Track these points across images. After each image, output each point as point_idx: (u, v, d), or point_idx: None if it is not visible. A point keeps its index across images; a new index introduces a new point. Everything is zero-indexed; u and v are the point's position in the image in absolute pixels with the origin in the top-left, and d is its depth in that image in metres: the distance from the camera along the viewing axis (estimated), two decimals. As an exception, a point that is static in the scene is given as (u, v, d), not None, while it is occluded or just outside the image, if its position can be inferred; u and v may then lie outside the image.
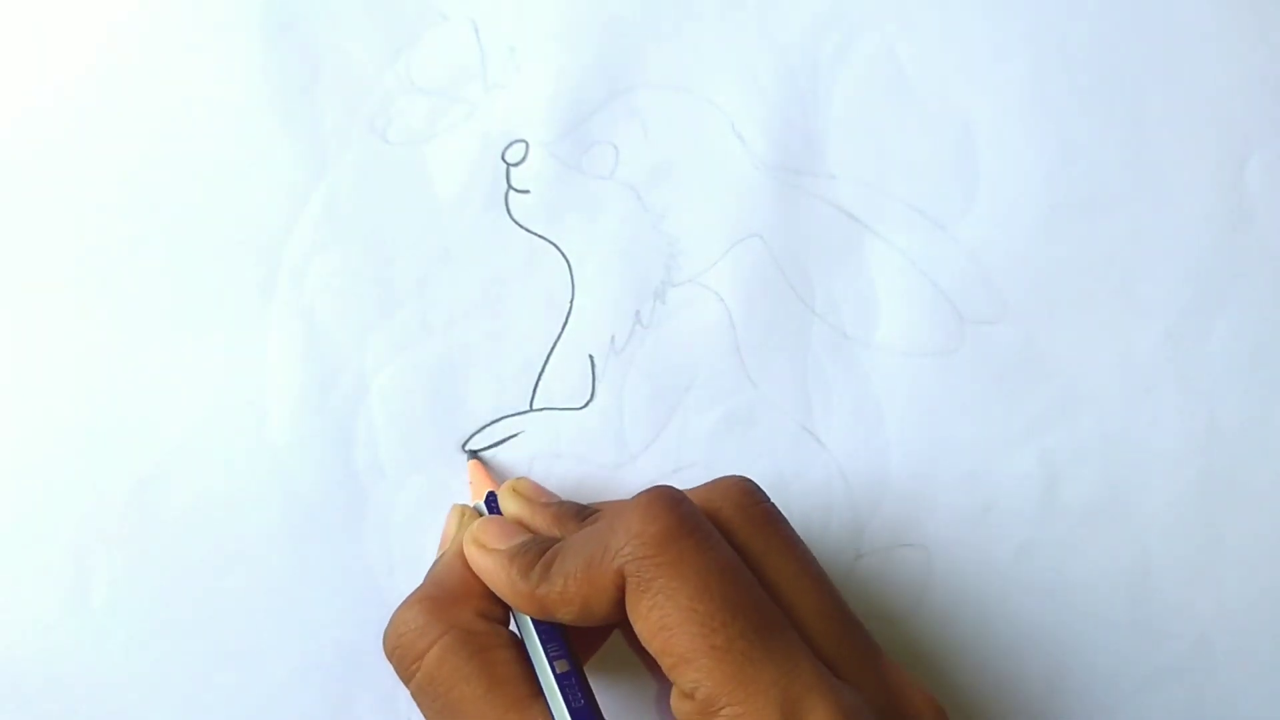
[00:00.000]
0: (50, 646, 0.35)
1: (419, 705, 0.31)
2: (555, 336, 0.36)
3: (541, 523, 0.33)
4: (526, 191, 0.36)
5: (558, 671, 0.30)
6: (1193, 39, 0.38)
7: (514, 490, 0.34)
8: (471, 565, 0.32)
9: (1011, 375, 0.37)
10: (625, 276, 0.36)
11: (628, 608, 0.28)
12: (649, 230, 0.36)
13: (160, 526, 0.35)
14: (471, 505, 0.34)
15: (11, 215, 0.35)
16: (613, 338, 0.36)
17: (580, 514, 0.32)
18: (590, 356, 0.36)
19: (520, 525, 0.32)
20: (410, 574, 0.35)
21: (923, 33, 0.37)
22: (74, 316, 0.35)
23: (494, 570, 0.31)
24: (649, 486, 0.29)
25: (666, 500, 0.28)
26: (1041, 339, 0.37)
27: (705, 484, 0.31)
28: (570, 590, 0.29)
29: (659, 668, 0.28)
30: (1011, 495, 0.36)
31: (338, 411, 0.35)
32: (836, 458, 0.36)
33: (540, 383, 0.36)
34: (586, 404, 0.36)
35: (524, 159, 0.36)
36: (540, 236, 0.36)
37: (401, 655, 0.31)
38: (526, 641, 0.31)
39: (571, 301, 0.36)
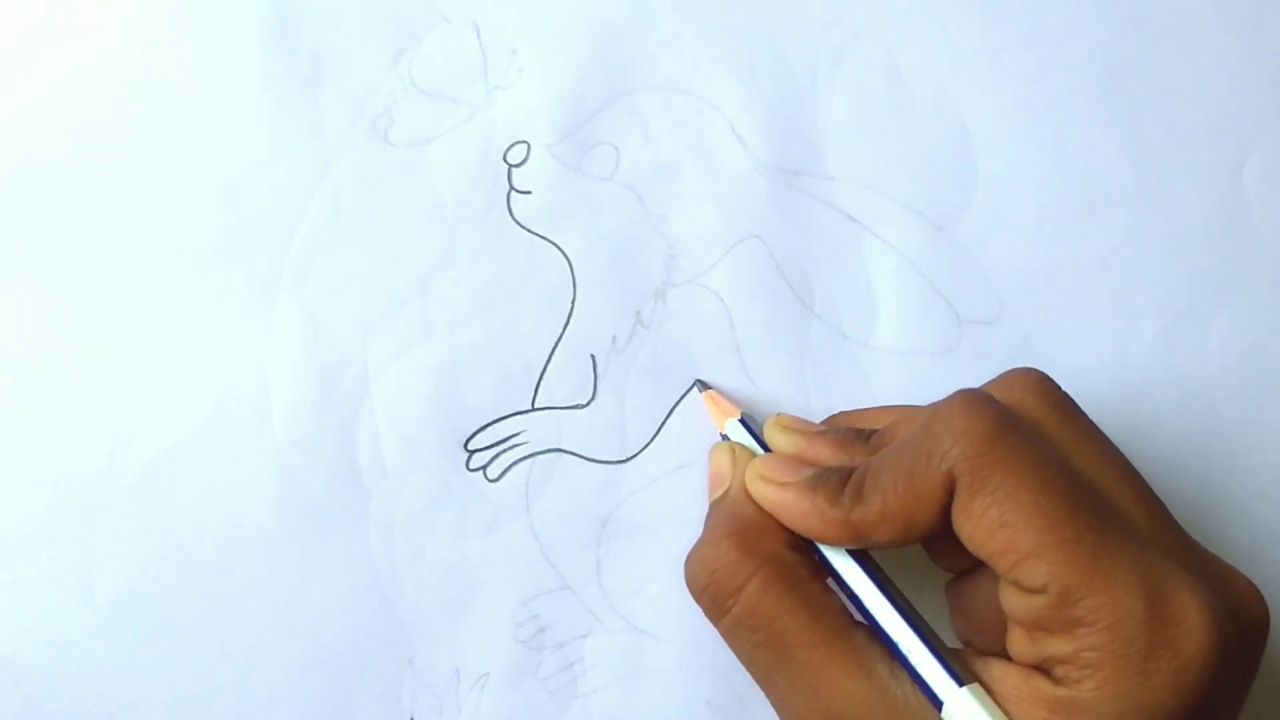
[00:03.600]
0: (54, 645, 0.35)
1: (732, 640, 0.30)
2: (557, 336, 0.36)
3: (822, 452, 0.32)
4: (528, 192, 0.36)
5: (890, 593, 0.29)
6: (1190, 41, 0.38)
7: (780, 425, 0.33)
8: (764, 504, 0.31)
9: (1009, 374, 0.37)
10: (626, 277, 0.36)
11: (957, 511, 0.27)
12: (649, 231, 0.36)
13: (164, 525, 0.35)
14: (726, 437, 0.34)
15: (13, 216, 0.35)
16: (614, 337, 0.36)
17: (862, 435, 0.32)
18: (592, 356, 0.36)
19: (802, 458, 0.32)
20: (412, 573, 0.35)
21: (921, 35, 0.37)
22: (77, 317, 0.35)
23: (795, 503, 0.30)
24: (956, 391, 0.29)
25: (984, 399, 0.28)
26: (1039, 339, 0.37)
27: (994, 381, 0.30)
28: (892, 506, 0.28)
29: (956, 565, 0.28)
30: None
31: (340, 411, 0.35)
32: (836, 457, 0.36)
33: (542, 382, 0.36)
34: (588, 403, 0.36)
35: (525, 160, 0.36)
36: (541, 237, 0.36)
37: (716, 591, 0.30)
38: (841, 572, 0.30)
39: (573, 302, 0.36)
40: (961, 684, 0.27)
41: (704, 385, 0.36)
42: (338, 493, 0.35)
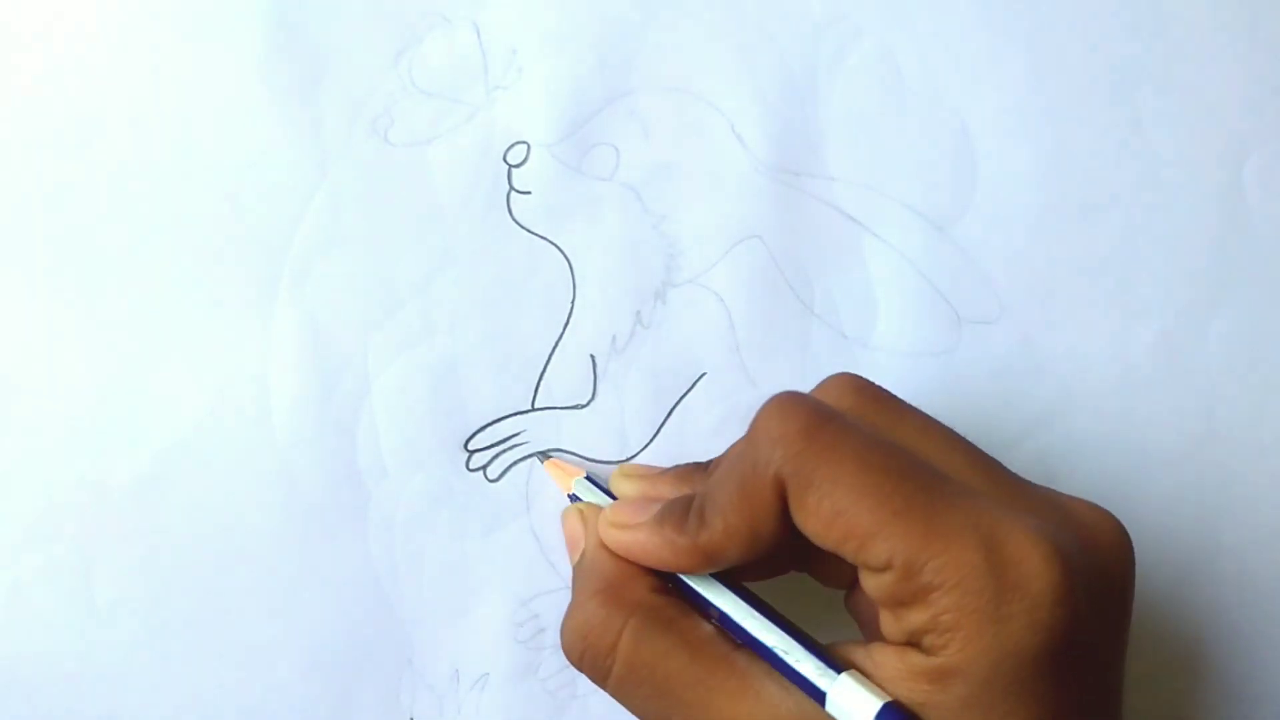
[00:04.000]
0: (54, 645, 0.35)
1: (623, 700, 0.30)
2: (556, 336, 0.36)
3: (665, 490, 0.32)
4: (528, 193, 0.36)
5: (756, 604, 0.29)
6: (1190, 41, 0.38)
7: (624, 474, 0.34)
8: (619, 550, 0.31)
9: (1008, 375, 0.37)
10: (626, 277, 0.36)
11: (794, 511, 0.27)
12: (649, 231, 0.36)
13: (163, 526, 0.35)
14: (573, 500, 0.34)
15: (14, 216, 0.35)
16: (614, 338, 0.36)
17: (701, 467, 0.32)
18: (591, 356, 0.36)
19: (647, 500, 0.32)
20: (412, 573, 0.35)
21: (921, 35, 0.37)
22: (78, 317, 0.35)
23: (645, 542, 0.30)
24: (769, 398, 0.29)
25: (796, 399, 0.28)
26: (1038, 339, 0.37)
27: (814, 389, 0.31)
28: (733, 522, 0.28)
29: (839, 571, 0.28)
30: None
31: (340, 411, 0.35)
32: (836, 457, 0.36)
33: (542, 382, 0.36)
34: (588, 403, 0.36)
35: (525, 160, 0.36)
36: (541, 237, 0.36)
37: (593, 655, 0.30)
38: (707, 597, 0.30)
39: (573, 302, 0.36)
40: (838, 673, 0.27)
41: (544, 456, 0.36)
42: (338, 493, 0.35)
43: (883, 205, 0.37)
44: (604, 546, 0.31)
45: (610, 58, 0.36)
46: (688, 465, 0.33)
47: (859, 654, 0.28)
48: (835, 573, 0.31)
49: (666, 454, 0.36)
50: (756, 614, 0.29)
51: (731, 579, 0.30)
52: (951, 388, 0.37)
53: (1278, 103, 0.38)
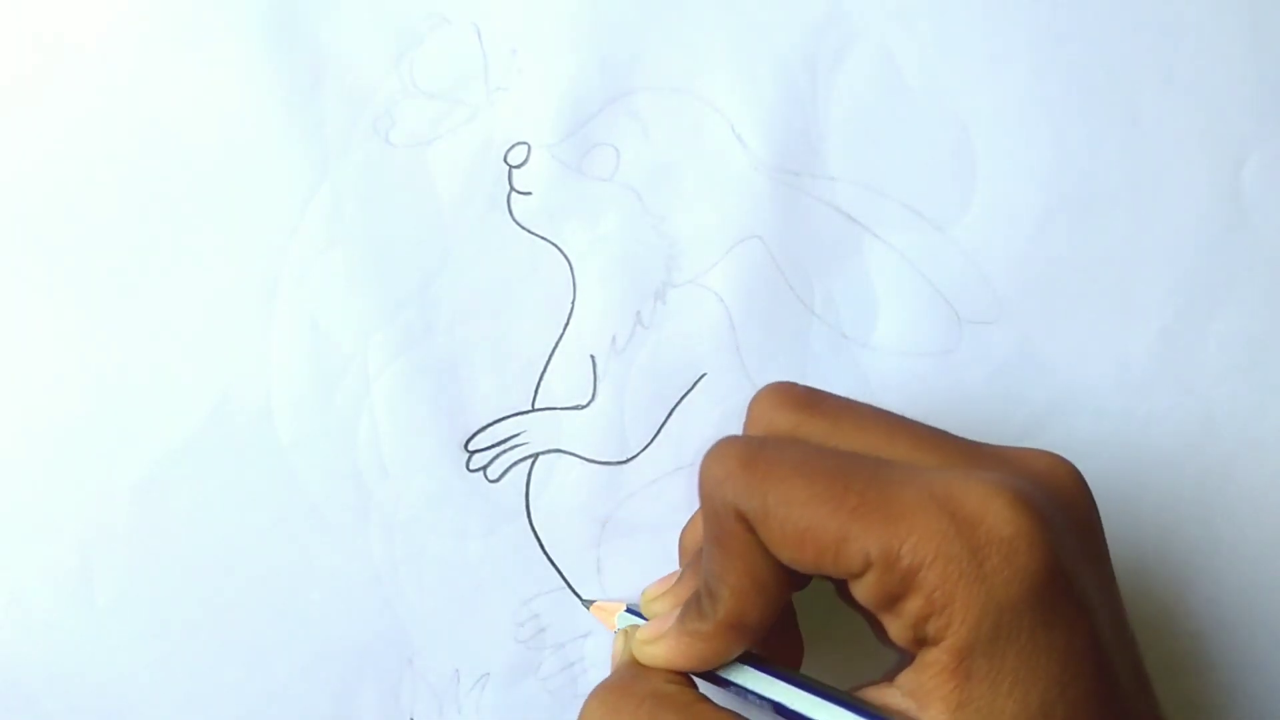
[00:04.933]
0: (54, 645, 0.35)
1: None
2: (557, 337, 0.36)
3: (688, 590, 0.31)
4: (528, 193, 0.36)
5: (813, 685, 0.28)
6: (1189, 41, 0.38)
7: (649, 596, 0.33)
8: (654, 664, 0.30)
9: (1008, 375, 0.37)
10: (626, 277, 0.36)
11: (767, 545, 0.27)
12: (649, 231, 0.36)
13: (164, 526, 0.35)
14: (622, 626, 0.34)
15: (14, 216, 0.35)
16: (614, 338, 0.36)
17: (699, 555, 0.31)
18: (591, 356, 0.36)
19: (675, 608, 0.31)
20: (413, 573, 0.36)
21: (921, 35, 0.37)
22: (78, 317, 0.35)
23: (675, 644, 0.29)
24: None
25: (725, 440, 0.28)
26: (1038, 339, 0.37)
27: (747, 411, 0.30)
28: (735, 583, 0.28)
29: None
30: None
31: (341, 412, 0.35)
32: (836, 457, 0.36)
33: (542, 383, 0.36)
34: (588, 404, 0.36)
35: (526, 161, 0.36)
36: (542, 238, 0.36)
37: None
38: (744, 684, 0.29)
39: (573, 302, 0.36)
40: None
41: (588, 603, 0.36)
42: (338, 493, 0.35)
43: (883, 205, 0.37)
44: (634, 663, 0.31)
45: (610, 58, 0.36)
46: (696, 560, 0.32)
47: (891, 694, 0.27)
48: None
49: (666, 454, 0.36)
50: (809, 693, 0.28)
51: (769, 665, 0.30)
52: (951, 388, 0.37)
53: (1278, 103, 0.38)
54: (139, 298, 0.35)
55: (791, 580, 0.28)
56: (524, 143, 0.36)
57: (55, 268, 0.35)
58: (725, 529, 0.28)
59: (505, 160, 0.36)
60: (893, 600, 0.26)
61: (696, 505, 0.36)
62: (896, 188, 0.37)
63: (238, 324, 0.35)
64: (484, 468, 0.36)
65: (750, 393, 0.36)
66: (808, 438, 0.29)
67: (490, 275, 0.36)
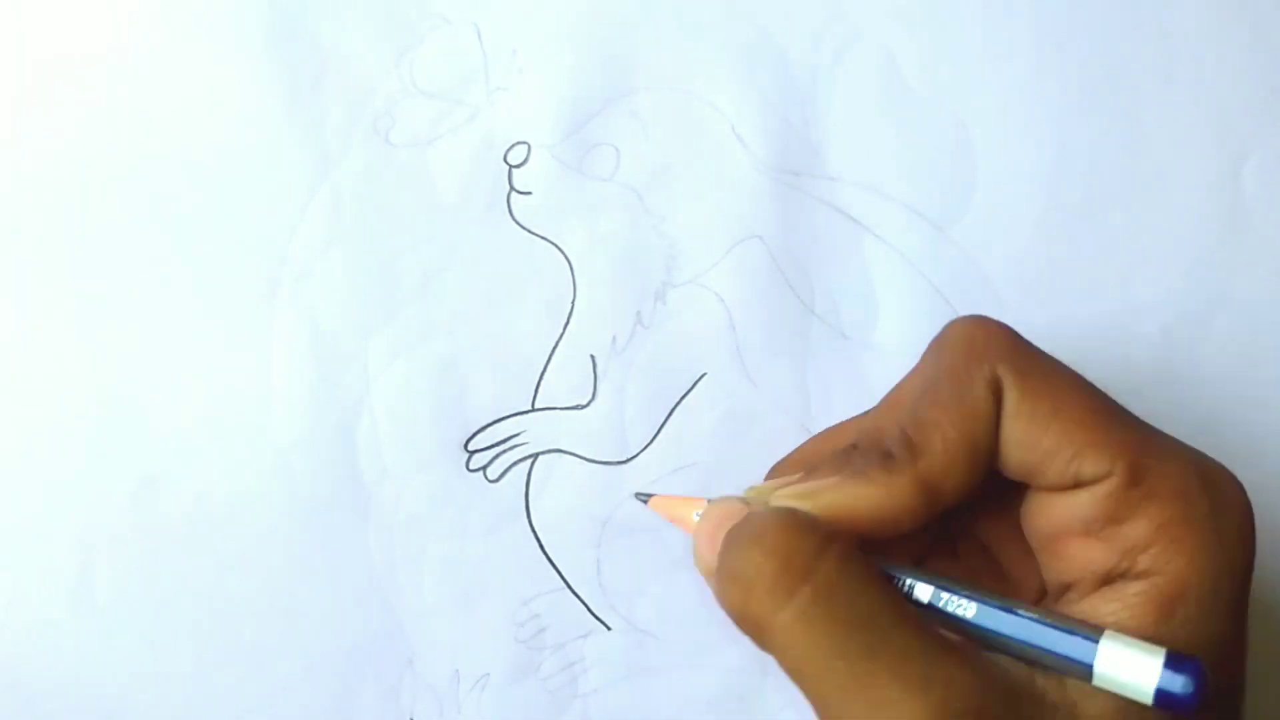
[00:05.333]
0: (53, 645, 0.35)
1: (799, 634, 0.24)
2: (557, 337, 0.36)
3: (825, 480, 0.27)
4: (528, 193, 0.36)
5: (976, 592, 0.25)
6: (1190, 41, 0.38)
7: (771, 488, 0.28)
8: (815, 508, 0.26)
9: (1009, 375, 0.37)
10: (626, 277, 0.36)
11: (1010, 413, 0.26)
12: (650, 231, 0.36)
13: (164, 526, 0.35)
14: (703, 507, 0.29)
15: (15, 216, 0.35)
16: (614, 338, 0.36)
17: (840, 454, 0.28)
18: (591, 356, 0.36)
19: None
20: (412, 573, 0.35)
21: (921, 35, 0.37)
22: (79, 317, 0.35)
23: (849, 489, 0.26)
24: (946, 325, 0.28)
25: (986, 318, 0.28)
26: (1039, 339, 0.37)
27: (943, 335, 0.28)
28: (951, 437, 0.26)
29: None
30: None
31: (341, 411, 0.35)
32: (836, 457, 0.36)
33: (542, 382, 0.36)
34: (588, 404, 0.36)
35: (526, 161, 0.36)
36: (542, 238, 0.36)
37: (778, 571, 0.24)
38: (917, 591, 0.26)
39: (573, 302, 0.36)
40: (1095, 639, 0.24)
41: (645, 497, 0.33)
42: (338, 493, 0.35)
43: (883, 205, 0.37)
44: (779, 511, 0.26)
45: (611, 58, 0.36)
46: (817, 439, 0.30)
47: (1082, 609, 0.25)
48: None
49: (666, 454, 0.36)
50: (980, 601, 0.25)
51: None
52: (952, 388, 0.37)
53: (1278, 103, 0.38)
54: (139, 297, 0.35)
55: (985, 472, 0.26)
56: (524, 142, 0.36)
57: (56, 268, 0.35)
58: (971, 383, 0.26)
59: (505, 160, 0.36)
60: (1112, 519, 0.25)
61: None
62: (897, 188, 0.37)
63: (238, 324, 0.35)
64: (484, 468, 0.36)
65: (751, 392, 0.36)
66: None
67: (490, 275, 0.36)
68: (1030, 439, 0.26)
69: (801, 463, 0.30)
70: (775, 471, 0.31)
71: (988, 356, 0.26)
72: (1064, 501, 0.26)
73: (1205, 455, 0.26)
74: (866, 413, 0.30)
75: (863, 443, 0.27)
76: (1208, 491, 0.25)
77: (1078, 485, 0.26)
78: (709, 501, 0.28)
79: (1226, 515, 0.25)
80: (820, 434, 0.32)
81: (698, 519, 0.28)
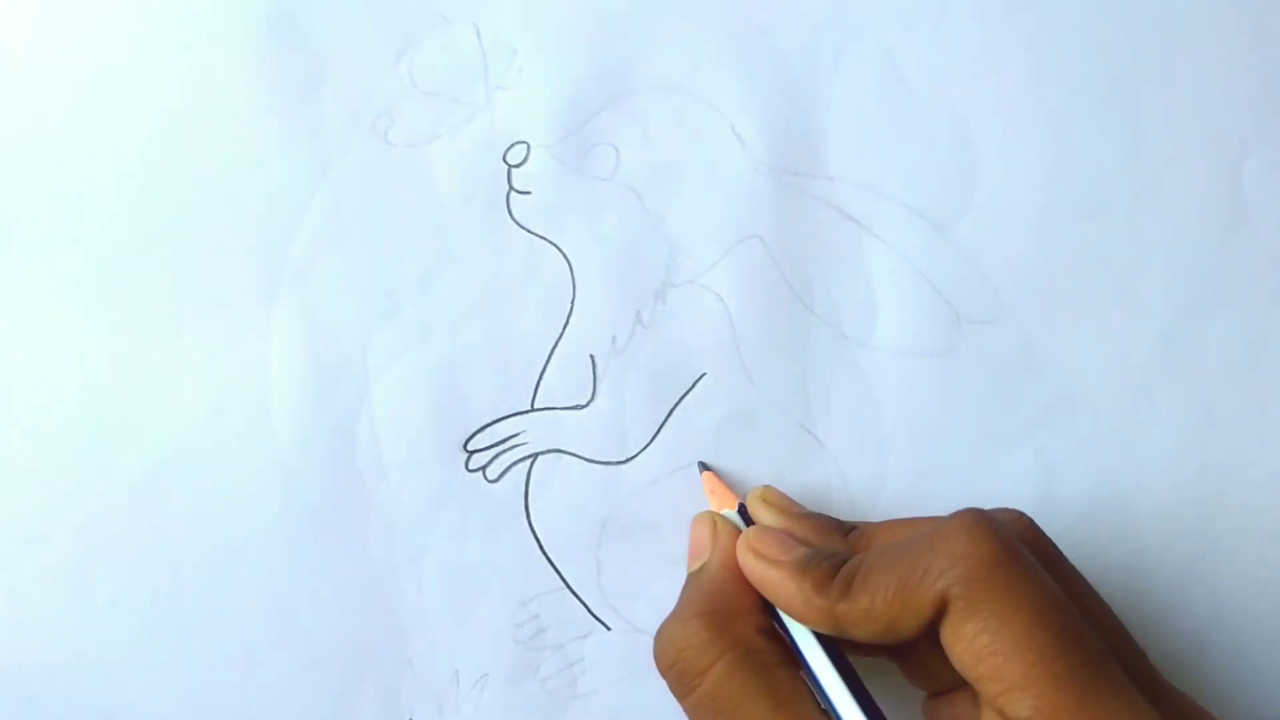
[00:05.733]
0: (53, 644, 0.35)
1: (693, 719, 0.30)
2: (556, 336, 0.36)
3: (804, 534, 0.32)
4: (528, 193, 0.36)
5: (854, 687, 0.29)
6: (1189, 42, 0.38)
7: (764, 500, 0.34)
8: (750, 577, 0.31)
9: (1009, 375, 0.37)
10: (626, 277, 0.36)
11: (947, 631, 0.27)
12: (649, 231, 0.36)
13: (163, 525, 0.35)
14: (720, 512, 0.34)
15: (15, 216, 0.35)
16: (613, 338, 0.36)
17: (843, 529, 0.32)
18: (591, 356, 0.36)
19: (790, 538, 0.32)
20: (412, 573, 0.35)
21: (920, 36, 0.37)
22: (78, 317, 0.35)
23: (781, 583, 0.30)
24: (960, 510, 0.29)
25: (990, 524, 0.28)
26: (1039, 339, 0.37)
27: (943, 521, 0.30)
28: (878, 608, 0.28)
29: (933, 686, 0.28)
30: (1009, 493, 0.37)
31: (340, 411, 0.35)
32: (835, 457, 0.36)
33: (541, 382, 0.36)
34: (588, 404, 0.36)
35: (525, 160, 0.36)
36: (541, 237, 0.36)
37: (681, 672, 0.30)
38: (809, 660, 0.30)
39: (572, 302, 0.36)
40: None
41: (705, 466, 0.36)
42: (338, 493, 0.35)
43: (883, 206, 0.37)
44: (728, 567, 0.31)
45: (610, 58, 0.36)
46: (832, 520, 0.33)
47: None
48: (930, 681, 0.31)
49: (666, 454, 0.36)
50: (852, 697, 0.29)
51: (834, 644, 0.30)
52: (951, 388, 0.37)
53: (1278, 103, 0.38)
54: (139, 297, 0.35)
55: (912, 657, 0.29)
56: (524, 142, 0.36)
57: (55, 267, 0.35)
58: (921, 586, 0.28)
59: (505, 160, 0.36)
60: None
61: (697, 506, 0.36)
62: (896, 188, 0.37)
63: (237, 323, 0.35)
64: (483, 468, 0.36)
65: (750, 392, 0.36)
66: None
67: (490, 275, 0.36)
68: (963, 662, 0.27)
69: (804, 519, 0.34)
70: (774, 507, 0.34)
71: (950, 571, 0.27)
72: (988, 715, 0.27)
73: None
74: (888, 531, 0.32)
75: (842, 549, 0.31)
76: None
77: (1003, 715, 0.26)
78: (702, 512, 0.34)
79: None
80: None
81: (698, 514, 0.34)
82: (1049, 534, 0.31)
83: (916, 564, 0.28)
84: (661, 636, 0.31)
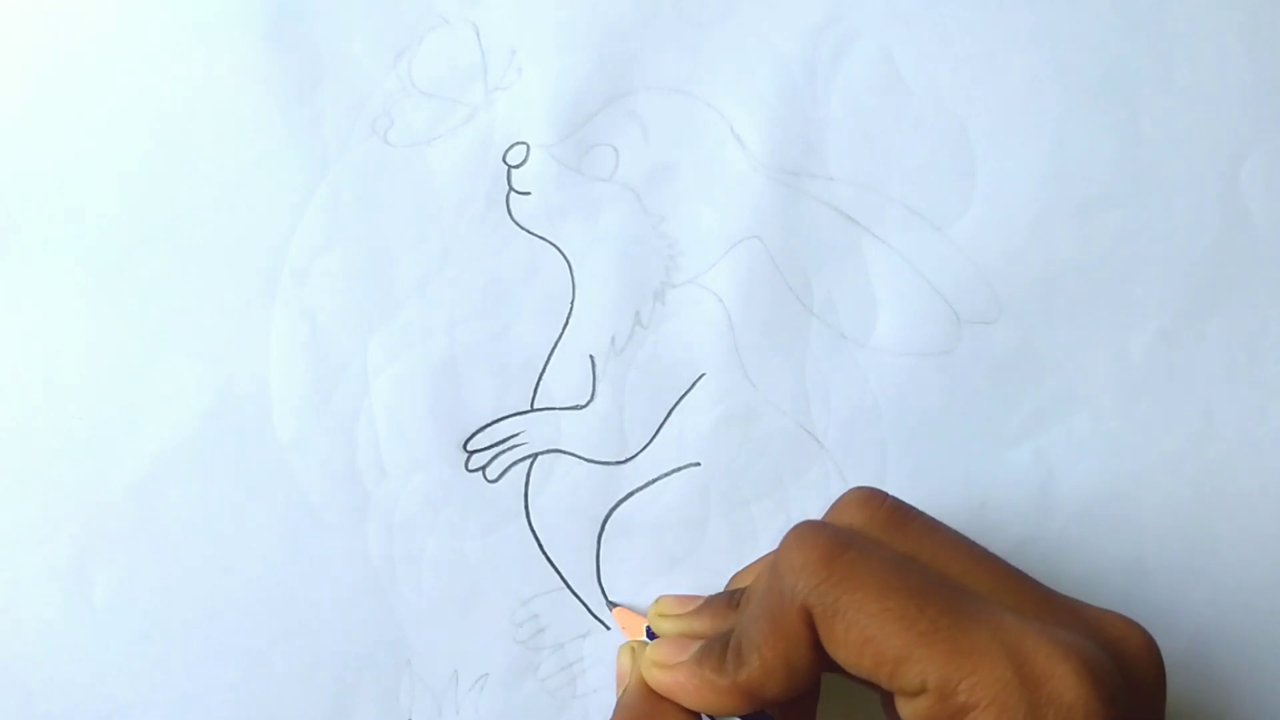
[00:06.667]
0: (52, 645, 0.35)
1: None
2: (556, 337, 0.36)
3: (704, 625, 0.32)
4: (527, 193, 0.36)
5: None
6: (1188, 41, 0.38)
7: (660, 614, 0.34)
8: (659, 689, 0.31)
9: (1008, 374, 0.37)
10: (625, 277, 0.36)
11: (824, 641, 0.27)
12: (649, 231, 0.36)
13: (162, 525, 0.35)
14: (633, 641, 0.35)
15: (14, 216, 0.35)
16: (613, 338, 0.36)
17: (732, 598, 0.32)
18: (591, 357, 0.36)
19: (687, 639, 0.32)
20: (411, 573, 0.35)
21: (919, 35, 0.37)
22: (77, 316, 0.35)
23: (685, 681, 0.30)
24: (790, 528, 0.29)
25: (816, 528, 0.28)
26: (1038, 339, 0.37)
27: (829, 510, 0.31)
28: (769, 658, 0.28)
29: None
30: (1008, 493, 0.37)
31: (340, 411, 0.35)
32: (835, 457, 0.36)
33: (541, 383, 0.36)
34: (587, 404, 0.36)
35: (525, 161, 0.36)
36: (541, 238, 0.36)
37: None
38: None
39: (572, 302, 0.36)
40: None
41: (613, 604, 0.36)
42: (337, 493, 0.35)
43: (882, 205, 0.37)
44: (645, 684, 0.32)
45: (609, 58, 0.36)
46: (720, 597, 0.33)
47: None
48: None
49: (666, 455, 0.36)
50: None
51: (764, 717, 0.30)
52: (951, 388, 0.37)
53: (1278, 103, 0.38)
54: (139, 297, 0.35)
55: (822, 671, 0.28)
56: (523, 143, 0.36)
57: (55, 267, 0.35)
58: (784, 612, 0.28)
59: (504, 160, 0.36)
60: None
61: (697, 505, 0.36)
62: (895, 188, 0.37)
63: (237, 323, 0.35)
64: (483, 468, 0.36)
65: (750, 392, 0.36)
66: (892, 543, 0.29)
67: (489, 275, 0.36)
68: (850, 664, 0.27)
69: (700, 611, 0.33)
70: (676, 603, 0.34)
71: (797, 590, 0.27)
72: (902, 706, 0.27)
73: (1042, 636, 0.26)
74: (754, 584, 0.31)
75: (734, 622, 0.31)
76: (1027, 689, 0.25)
77: (904, 694, 0.26)
78: (623, 644, 0.35)
79: (1050, 712, 0.25)
80: (744, 570, 0.35)
81: (620, 645, 0.35)
82: (1048, 534, 0.31)
83: (773, 597, 0.28)
84: None
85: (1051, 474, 0.37)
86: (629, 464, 0.36)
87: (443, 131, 0.36)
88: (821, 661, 0.28)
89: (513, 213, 0.36)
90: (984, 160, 0.37)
